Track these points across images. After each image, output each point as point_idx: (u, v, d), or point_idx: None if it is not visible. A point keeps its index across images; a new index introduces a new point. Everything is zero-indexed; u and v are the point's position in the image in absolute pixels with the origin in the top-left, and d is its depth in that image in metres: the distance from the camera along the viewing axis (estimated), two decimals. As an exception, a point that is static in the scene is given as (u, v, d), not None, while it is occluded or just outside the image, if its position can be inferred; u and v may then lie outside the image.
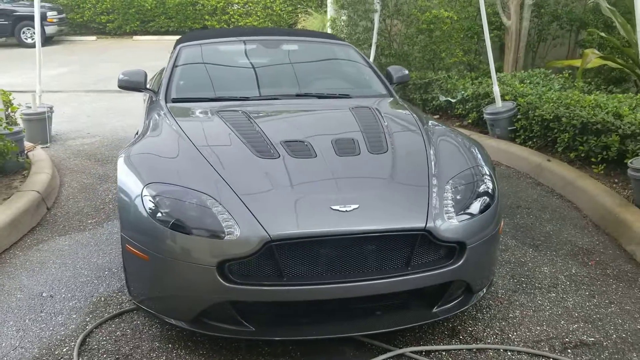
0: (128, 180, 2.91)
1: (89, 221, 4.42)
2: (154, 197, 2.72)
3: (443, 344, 2.87)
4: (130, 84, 4.14)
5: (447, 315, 2.84)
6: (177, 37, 20.95)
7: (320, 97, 3.97)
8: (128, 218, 2.80)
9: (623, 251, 3.94)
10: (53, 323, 3.03)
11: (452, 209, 2.79)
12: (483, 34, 7.33)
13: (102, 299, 3.27)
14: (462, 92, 7.10)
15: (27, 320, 3.06)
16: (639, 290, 3.43)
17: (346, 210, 2.63)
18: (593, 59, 6.99)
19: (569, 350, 2.85)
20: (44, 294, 3.32)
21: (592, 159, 5.23)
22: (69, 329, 2.98)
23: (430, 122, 3.68)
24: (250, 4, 19.26)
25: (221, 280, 2.54)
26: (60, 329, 2.98)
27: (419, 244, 2.68)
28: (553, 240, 4.11)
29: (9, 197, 4.49)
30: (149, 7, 18.73)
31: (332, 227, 2.56)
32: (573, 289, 3.44)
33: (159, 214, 2.66)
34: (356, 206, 2.65)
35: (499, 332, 2.99)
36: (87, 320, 3.06)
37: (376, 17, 7.87)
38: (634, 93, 7.24)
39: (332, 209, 2.64)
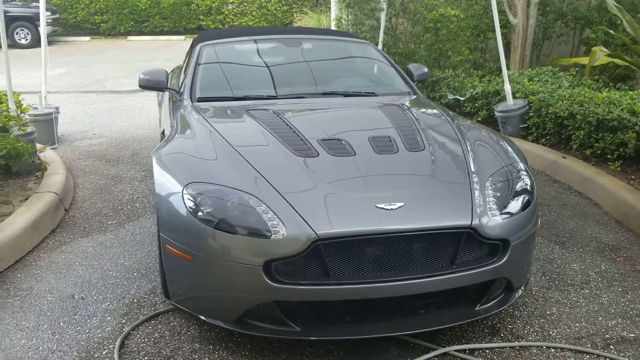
0: (166, 180, 2.87)
1: (109, 222, 4.36)
2: (195, 196, 2.69)
3: (485, 342, 2.86)
4: (152, 84, 4.09)
5: (489, 314, 2.83)
6: (172, 37, 20.77)
7: (346, 95, 3.95)
8: (168, 219, 2.77)
9: (651, 248, 3.95)
10: (88, 325, 2.99)
11: (494, 207, 2.77)
12: (489, 32, 7.36)
13: (135, 300, 3.23)
14: (471, 90, 7.11)
15: (61, 323, 3.01)
16: (670, 285, 3.45)
17: (392, 209, 2.61)
18: (601, 56, 7.00)
19: (611, 347, 2.85)
20: (75, 296, 3.27)
21: (608, 156, 5.25)
22: (106, 331, 2.94)
23: (458, 119, 3.67)
24: (245, 4, 19.22)
25: (267, 280, 2.51)
26: (97, 331, 2.94)
27: (464, 242, 2.66)
28: (578, 237, 4.12)
29: (26, 199, 4.43)
30: (143, 7, 18.62)
31: (379, 226, 2.54)
32: (605, 286, 3.44)
33: (202, 214, 2.62)
34: (401, 204, 2.63)
35: (539, 329, 2.98)
36: (123, 322, 3.02)
37: (382, 16, 7.86)
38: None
39: (377, 207, 2.61)
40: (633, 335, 2.94)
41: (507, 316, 3.09)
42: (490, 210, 2.73)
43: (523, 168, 3.11)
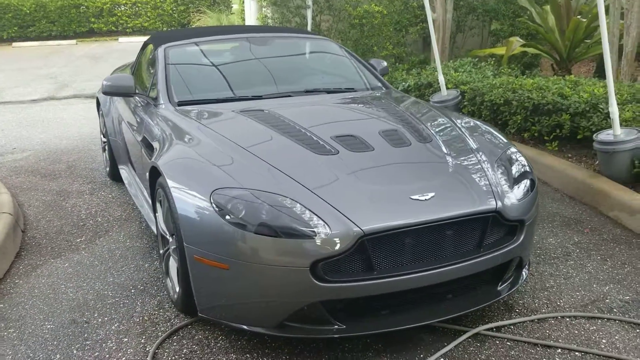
0: (185, 190, 2.75)
1: (78, 240, 4.08)
2: (224, 203, 2.59)
3: (506, 319, 3.01)
4: (118, 90, 3.88)
5: (509, 292, 2.97)
6: (62, 42, 19.66)
7: (328, 92, 3.96)
8: (195, 228, 2.65)
9: (607, 218, 4.31)
10: (107, 350, 2.79)
11: (508, 189, 2.92)
12: (409, 27, 7.63)
13: (146, 318, 3.05)
14: (403, 83, 7.35)
15: (75, 351, 2.79)
16: (638, 250, 3.79)
17: (425, 199, 2.67)
18: (517, 46, 7.52)
19: (615, 310, 3.09)
20: (77, 321, 3.04)
21: (545, 137, 5.66)
22: (128, 353, 2.76)
23: (440, 109, 3.81)
24: (139, 4, 18.53)
25: (315, 281, 2.49)
26: (118, 354, 2.76)
27: (490, 225, 2.79)
28: (542, 214, 4.41)
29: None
30: (28, 11, 17.41)
31: (418, 217, 2.59)
32: (585, 255, 3.72)
33: (236, 220, 2.54)
34: (433, 194, 2.70)
35: (547, 302, 3.18)
36: (143, 342, 2.85)
37: (309, 13, 7.91)
38: (551, 75, 7.93)
39: (411, 198, 2.67)
40: (628, 297, 3.21)
41: (514, 293, 3.26)
42: (507, 193, 2.88)
43: (517, 151, 3.30)
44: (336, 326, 2.60)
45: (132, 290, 3.34)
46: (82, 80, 11.66)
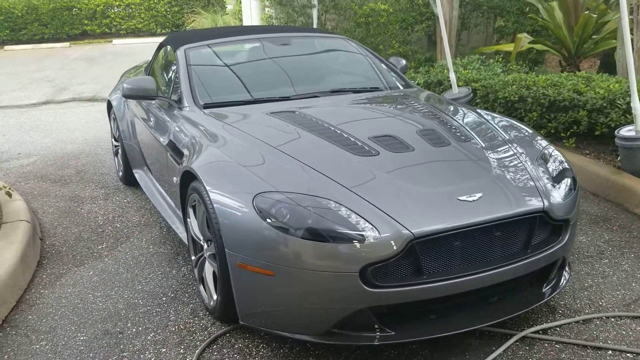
0: (226, 195, 2.67)
1: (99, 247, 3.98)
2: (268, 208, 2.51)
3: (550, 321, 2.94)
4: (140, 92, 3.79)
5: (554, 294, 2.91)
6: (55, 44, 19.47)
7: (354, 91, 3.88)
8: (238, 235, 2.57)
9: (634, 215, 4.27)
10: (146, 361, 2.71)
11: (552, 188, 2.86)
12: (415, 25, 7.57)
13: (182, 327, 2.97)
14: (412, 82, 7.28)
15: (113, 363, 2.70)
16: (671, 247, 3.75)
17: (473, 200, 2.61)
18: (526, 42, 7.48)
19: (658, 309, 3.05)
20: (110, 331, 2.95)
21: (562, 134, 5.62)
22: (168, 364, 2.68)
23: (469, 107, 3.75)
24: (133, 6, 18.36)
25: (364, 286, 2.41)
26: (158, 366, 2.67)
27: (537, 225, 2.73)
28: (568, 212, 4.35)
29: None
30: (19, 14, 17.20)
31: (467, 219, 2.53)
32: (619, 254, 3.67)
33: (282, 225, 2.46)
34: (480, 194, 2.64)
35: (589, 302, 3.12)
36: (182, 351, 2.76)
37: (314, 12, 7.83)
38: (559, 72, 7.90)
39: (459, 200, 2.60)
40: (670, 295, 3.17)
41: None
42: (551, 193, 2.82)
43: (554, 149, 3.24)
44: (385, 333, 2.53)
45: (163, 298, 3.25)
46: (79, 84, 11.50)
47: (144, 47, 16.58)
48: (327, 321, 2.51)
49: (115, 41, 17.59)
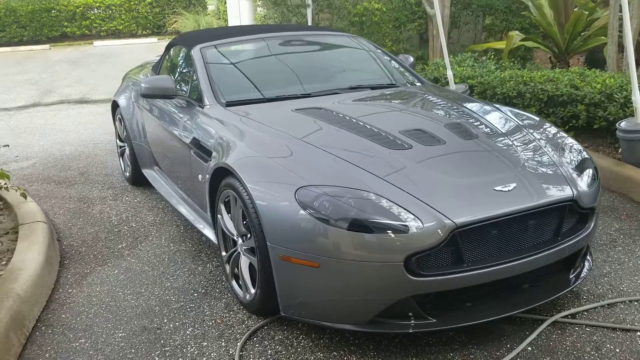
0: (267, 190, 2.71)
1: (119, 246, 3.98)
2: (311, 201, 2.56)
3: (577, 306, 3.04)
4: (158, 91, 3.80)
5: (580, 280, 3.01)
6: (34, 47, 19.18)
7: (373, 88, 3.95)
8: (281, 228, 2.61)
9: (638, 204, 4.41)
10: (189, 355, 2.73)
11: (577, 177, 2.96)
12: (407, 24, 7.67)
13: (218, 321, 3.00)
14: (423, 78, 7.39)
15: (157, 358, 2.72)
16: (679, 234, 3.89)
17: (508, 190, 2.69)
18: (518, 40, 7.64)
19: (677, 292, 3.17)
20: (148, 327, 2.97)
21: (561, 128, 5.76)
22: (212, 357, 2.71)
23: (487, 102, 3.84)
24: (113, 7, 18.17)
25: (408, 275, 2.48)
26: (202, 359, 2.70)
27: (567, 214, 2.82)
28: (575, 203, 4.48)
29: (6, 233, 3.91)
30: (-3, 16, 16.89)
31: (504, 208, 2.61)
32: (631, 241, 3.80)
33: (326, 218, 2.51)
34: (514, 185, 2.72)
35: (610, 287, 3.23)
36: (223, 345, 2.80)
37: (309, 12, 7.88)
38: (550, 68, 8.09)
39: (495, 190, 2.68)
40: (686, 279, 3.30)
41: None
42: (578, 182, 2.91)
43: (572, 140, 3.34)
44: (427, 320, 2.60)
45: (195, 294, 3.28)
46: (65, 86, 11.38)
47: (126, 49, 16.46)
48: (370, 310, 2.57)
49: (96, 43, 17.40)
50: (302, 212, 2.56)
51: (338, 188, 2.61)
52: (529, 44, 7.84)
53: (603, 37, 7.68)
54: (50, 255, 3.60)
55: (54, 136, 7.46)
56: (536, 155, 3.03)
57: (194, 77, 3.90)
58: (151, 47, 16.41)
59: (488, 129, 3.24)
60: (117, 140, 5.53)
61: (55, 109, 9.48)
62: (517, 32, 7.70)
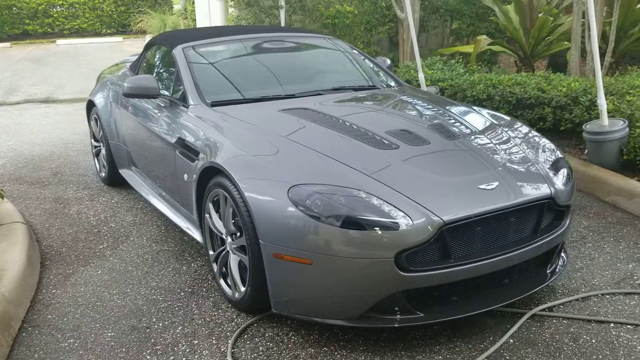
0: (259, 188, 2.77)
1: (100, 247, 3.96)
2: (304, 199, 2.63)
3: (553, 300, 3.18)
4: (141, 91, 3.81)
5: (556, 276, 3.15)
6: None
7: (355, 89, 4.03)
8: (273, 226, 2.67)
9: (605, 203, 4.61)
10: (181, 353, 2.76)
11: (553, 176, 3.09)
12: (378, 27, 7.81)
13: (208, 319, 3.03)
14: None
15: (148, 357, 2.74)
16: (644, 230, 4.09)
17: (491, 188, 2.81)
18: (485, 44, 7.84)
19: (645, 286, 3.35)
20: (137, 326, 2.98)
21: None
22: (204, 355, 2.74)
23: (464, 103, 3.97)
24: (77, 5, 17.86)
25: (398, 271, 2.57)
26: (194, 356, 2.73)
27: (545, 211, 2.96)
28: (545, 202, 4.65)
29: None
30: (-45, 13, 16.41)
31: (488, 205, 2.72)
32: (599, 238, 3.98)
33: (318, 215, 2.58)
34: (497, 183, 2.84)
35: (583, 282, 3.39)
36: (214, 342, 2.83)
37: (282, 13, 7.93)
38: (515, 72, 8.32)
39: (479, 188, 2.79)
40: (653, 273, 3.48)
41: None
42: (554, 180, 3.05)
43: (547, 140, 3.49)
44: (415, 315, 2.69)
45: (182, 293, 3.30)
46: (29, 85, 11.14)
47: (90, 48, 16.20)
48: (361, 306, 2.65)
49: (59, 41, 17.07)
50: (294, 210, 2.61)
51: (329, 186, 2.68)
52: (496, 48, 8.05)
53: (566, 42, 7.95)
54: (31, 255, 3.57)
55: (22, 136, 7.32)
56: (515, 155, 3.15)
57: (177, 77, 3.92)
58: (116, 46, 16.21)
59: (468, 129, 3.36)
60: (92, 140, 5.47)
61: (20, 108, 9.29)
62: (484, 36, 7.90)
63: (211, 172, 3.12)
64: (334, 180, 2.72)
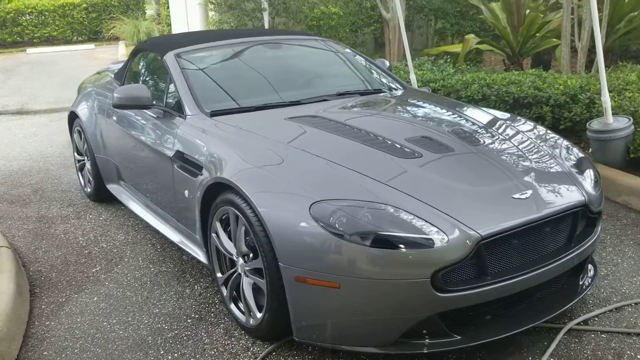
0: (276, 206, 2.53)
1: (93, 270, 3.67)
2: (327, 217, 2.40)
3: (586, 312, 3.00)
4: (132, 102, 3.53)
5: (590, 286, 2.97)
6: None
7: (362, 94, 3.82)
8: (295, 247, 2.43)
9: (616, 203, 4.47)
10: (196, 390, 2.51)
11: (583, 181, 2.92)
12: (364, 28, 7.63)
13: (221, 349, 2.78)
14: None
15: (160, 396, 2.48)
16: (662, 231, 3.95)
17: (526, 197, 2.61)
18: (474, 43, 7.72)
19: (678, 292, 3.20)
20: (144, 361, 2.72)
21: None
22: (222, 391, 2.50)
23: (474, 105, 3.79)
24: (46, 13, 17.35)
25: (435, 292, 2.36)
26: (212, 394, 2.48)
27: (580, 219, 2.78)
28: (555, 205, 4.50)
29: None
30: None
31: (525, 216, 2.53)
32: (618, 242, 3.83)
33: (344, 234, 2.35)
34: (530, 191, 2.65)
35: (613, 290, 3.22)
36: (232, 376, 2.59)
37: (266, 16, 7.69)
38: (503, 70, 8.22)
39: (513, 198, 2.60)
40: (683, 278, 3.33)
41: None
42: (585, 186, 2.87)
43: (568, 142, 3.32)
44: (453, 338, 2.48)
45: (188, 320, 3.04)
46: (1, 96, 10.71)
47: (62, 56, 15.73)
48: (395, 331, 2.43)
49: (30, 50, 16.56)
50: (318, 228, 2.39)
51: (353, 201, 2.46)
52: (484, 46, 7.94)
53: (554, 40, 7.87)
54: (20, 284, 3.27)
55: (-6, 150, 6.96)
56: (542, 160, 2.97)
57: (170, 85, 3.65)
58: (89, 54, 15.77)
59: (489, 133, 3.17)
60: (75, 154, 5.17)
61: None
62: (472, 35, 7.77)
63: (218, 188, 2.87)
64: (357, 195, 2.50)
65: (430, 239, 2.34)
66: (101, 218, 4.58)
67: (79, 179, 5.20)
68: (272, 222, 2.50)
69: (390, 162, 2.75)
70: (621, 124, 4.85)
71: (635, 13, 7.46)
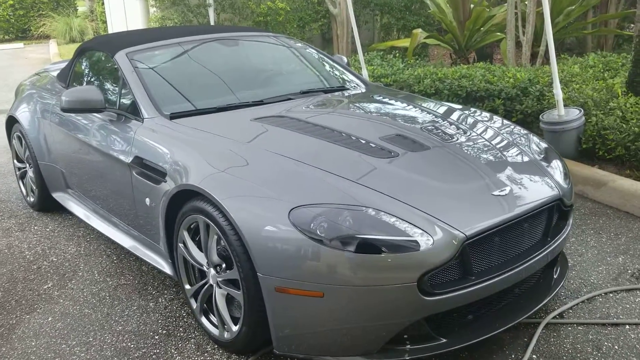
0: (252, 213, 2.39)
1: (44, 287, 3.42)
2: (307, 223, 2.28)
3: (560, 305, 3.01)
4: (83, 105, 3.31)
5: (564, 279, 2.97)
6: None
7: (326, 91, 3.70)
8: (274, 256, 2.31)
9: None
10: (173, 413, 2.34)
11: (554, 174, 2.92)
12: (312, 23, 7.55)
13: (195, 366, 2.62)
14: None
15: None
16: (619, 220, 4.03)
17: (505, 194, 2.58)
18: (422, 38, 7.75)
19: (641, 279, 3.26)
20: (112, 385, 2.52)
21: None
22: (201, 412, 2.34)
23: (440, 102, 3.75)
24: (-32, 10, 16.36)
25: (422, 296, 2.28)
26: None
27: (554, 213, 2.78)
28: (514, 197, 4.54)
29: None
30: None
31: (506, 213, 2.49)
32: (580, 231, 3.88)
33: (326, 240, 2.25)
34: (509, 188, 2.62)
35: (582, 281, 3.25)
36: (210, 395, 2.44)
37: (211, 12, 7.45)
38: (449, 65, 8.31)
39: (493, 195, 2.56)
40: (644, 265, 3.41)
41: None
42: (557, 179, 2.87)
43: (534, 135, 3.33)
44: (439, 341, 2.42)
45: (156, 337, 2.86)
46: None
47: (-12, 56, 14.87)
48: (380, 338, 2.35)
49: (-49, 50, 15.57)
50: (298, 235, 2.27)
51: (333, 205, 2.35)
52: (431, 41, 7.99)
53: (499, 33, 8.01)
54: (-36, 307, 3.00)
55: None
56: (516, 155, 2.95)
57: (123, 87, 3.44)
58: (18, 53, 14.99)
59: (460, 129, 3.13)
60: (15, 161, 4.83)
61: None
62: (420, 30, 7.80)
63: (184, 196, 2.70)
64: (336, 198, 2.39)
65: (415, 241, 2.27)
66: (48, 229, 4.29)
67: (20, 187, 4.87)
68: (248, 230, 2.36)
69: (367, 162, 2.65)
70: (573, 115, 4.95)
71: (573, 7, 7.67)
